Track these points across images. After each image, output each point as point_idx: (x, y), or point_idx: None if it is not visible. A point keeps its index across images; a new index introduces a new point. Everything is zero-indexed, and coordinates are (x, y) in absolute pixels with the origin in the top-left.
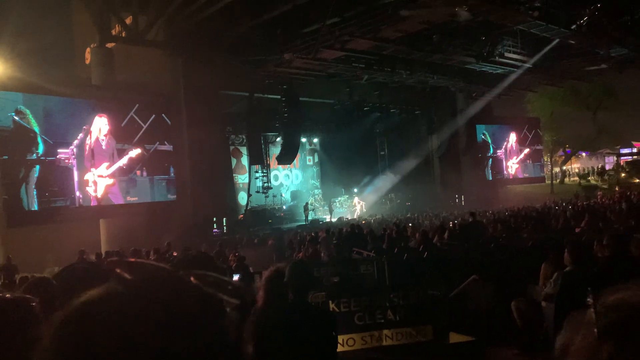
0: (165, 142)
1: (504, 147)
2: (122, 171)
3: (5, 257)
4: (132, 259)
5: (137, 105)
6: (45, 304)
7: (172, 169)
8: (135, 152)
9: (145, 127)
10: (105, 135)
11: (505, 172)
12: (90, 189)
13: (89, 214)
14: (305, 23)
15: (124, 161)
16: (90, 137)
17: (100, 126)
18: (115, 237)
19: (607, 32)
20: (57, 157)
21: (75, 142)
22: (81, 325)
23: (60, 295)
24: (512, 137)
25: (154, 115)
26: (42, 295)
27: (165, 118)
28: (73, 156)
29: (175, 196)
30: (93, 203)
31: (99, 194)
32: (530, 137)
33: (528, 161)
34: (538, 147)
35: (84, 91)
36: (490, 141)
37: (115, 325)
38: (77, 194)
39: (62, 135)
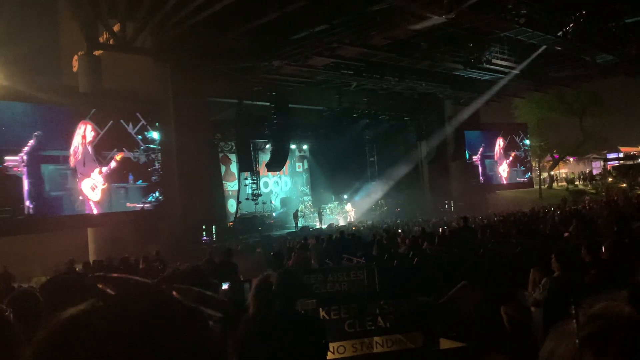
0: (124, 149)
1: (479, 152)
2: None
3: (1, 266)
4: (116, 275)
5: (94, 110)
6: (30, 316)
7: (131, 177)
8: (119, 156)
9: (101, 133)
10: (89, 143)
11: (480, 178)
12: (91, 195)
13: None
14: (294, 30)
15: (111, 165)
16: (74, 144)
17: (86, 133)
18: (103, 246)
19: (592, 39)
20: (4, 165)
21: (25, 149)
22: (63, 343)
23: (47, 308)
24: (499, 143)
25: (111, 122)
26: (26, 308)
27: (124, 124)
28: (23, 164)
29: (136, 205)
30: (92, 210)
31: (98, 198)
32: (506, 142)
33: (508, 167)
34: (516, 153)
35: (71, 98)
36: (465, 147)
37: (97, 342)
38: (27, 203)
39: (10, 142)
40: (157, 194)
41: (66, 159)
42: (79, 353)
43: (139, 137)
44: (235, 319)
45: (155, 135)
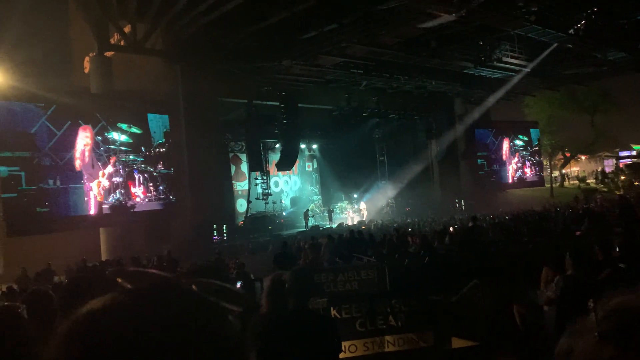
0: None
1: (489, 151)
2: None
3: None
4: (133, 269)
5: (54, 107)
6: (43, 314)
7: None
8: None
9: (59, 134)
10: (89, 145)
11: (491, 176)
12: (97, 196)
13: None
14: (303, 30)
15: (110, 168)
16: (79, 149)
17: (88, 137)
18: (114, 246)
19: (604, 36)
20: None
21: None
22: (85, 336)
23: (62, 307)
24: (507, 141)
25: (69, 122)
26: (40, 306)
27: (82, 124)
28: None
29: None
30: (95, 210)
31: (101, 199)
32: (512, 141)
33: (516, 165)
34: (522, 151)
35: (82, 99)
36: (475, 146)
37: (118, 335)
38: None
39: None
40: (117, 194)
41: (18, 160)
42: (100, 346)
43: (99, 137)
44: (252, 314)
45: (115, 135)
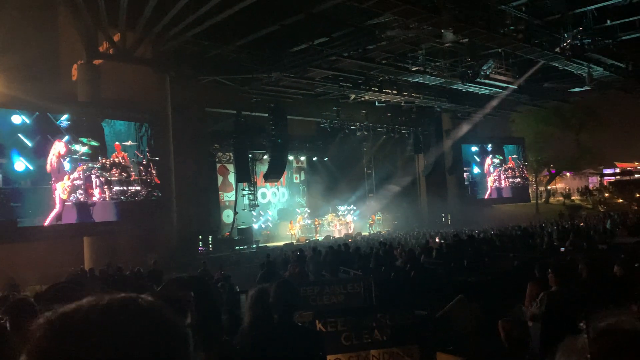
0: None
1: (476, 166)
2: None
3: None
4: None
5: (31, 119)
6: (26, 324)
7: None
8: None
9: (32, 146)
10: (60, 155)
11: (476, 191)
12: (62, 194)
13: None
14: (293, 42)
15: (76, 174)
16: (50, 157)
17: (56, 148)
18: (99, 255)
19: (590, 55)
20: None
21: None
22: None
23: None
24: (490, 157)
25: (39, 137)
26: (23, 316)
27: (50, 138)
28: None
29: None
30: (60, 207)
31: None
32: (495, 157)
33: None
34: (504, 166)
35: (70, 107)
36: (462, 161)
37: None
38: None
39: None
40: (77, 194)
41: None
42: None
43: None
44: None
45: (77, 147)
